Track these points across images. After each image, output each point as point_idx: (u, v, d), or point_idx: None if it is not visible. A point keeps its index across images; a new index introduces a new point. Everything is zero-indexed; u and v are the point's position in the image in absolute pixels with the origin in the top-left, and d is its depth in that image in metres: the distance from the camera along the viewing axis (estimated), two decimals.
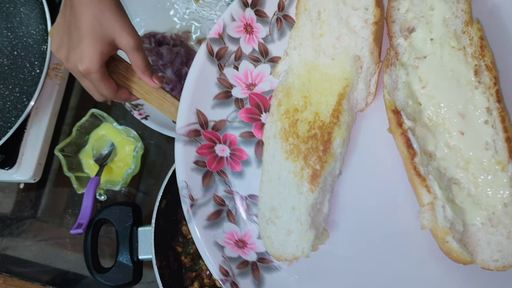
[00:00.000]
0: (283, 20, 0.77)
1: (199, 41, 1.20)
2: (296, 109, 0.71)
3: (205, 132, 0.75)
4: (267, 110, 0.76)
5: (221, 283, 0.71)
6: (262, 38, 0.77)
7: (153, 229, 0.96)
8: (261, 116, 0.77)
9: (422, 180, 0.67)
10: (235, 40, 0.76)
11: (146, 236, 0.97)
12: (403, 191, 0.71)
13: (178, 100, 1.09)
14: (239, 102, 0.77)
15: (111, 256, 1.02)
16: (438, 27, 0.70)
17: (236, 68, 0.76)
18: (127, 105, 1.12)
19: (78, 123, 1.14)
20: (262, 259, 0.73)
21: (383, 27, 0.72)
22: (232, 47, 0.76)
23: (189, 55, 1.18)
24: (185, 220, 0.99)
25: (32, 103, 1.10)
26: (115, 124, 1.15)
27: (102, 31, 0.78)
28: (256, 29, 0.76)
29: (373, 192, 0.72)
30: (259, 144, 0.76)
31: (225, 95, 0.76)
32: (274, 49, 0.77)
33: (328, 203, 0.71)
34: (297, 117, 0.71)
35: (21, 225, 1.23)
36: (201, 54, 0.74)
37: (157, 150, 1.20)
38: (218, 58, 0.75)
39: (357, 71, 0.70)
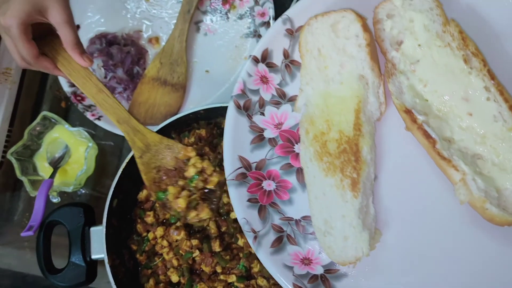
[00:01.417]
0: (291, 65, 0.90)
1: (150, 40, 1.21)
2: (322, 132, 0.82)
3: (250, 173, 0.86)
4: (298, 141, 0.87)
5: None
6: (277, 84, 0.90)
7: (105, 228, 0.97)
8: (294, 148, 0.87)
9: (448, 162, 0.76)
10: (256, 92, 0.89)
11: (98, 235, 0.97)
12: (435, 177, 0.79)
13: (129, 98, 1.14)
14: (272, 141, 0.88)
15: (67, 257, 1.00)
16: (422, 34, 0.81)
17: (263, 114, 0.89)
18: (80, 106, 1.14)
19: (30, 126, 1.15)
20: (329, 270, 0.81)
21: (375, 47, 0.84)
22: (254, 98, 0.89)
23: (140, 54, 1.20)
24: (139, 218, 1.04)
25: None
26: (66, 126, 1.15)
27: None
28: (270, 78, 0.89)
29: (409, 185, 0.81)
30: (299, 171, 0.86)
31: (259, 138, 0.88)
32: (290, 90, 0.89)
33: (372, 204, 0.80)
34: (325, 138, 0.82)
35: None
36: (231, 109, 0.87)
37: (112, 150, 1.20)
38: (245, 109, 0.88)
39: (365, 87, 0.82)
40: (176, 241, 1.01)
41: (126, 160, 1.01)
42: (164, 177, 0.96)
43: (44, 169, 1.20)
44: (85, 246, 0.99)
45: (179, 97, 1.17)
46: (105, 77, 1.21)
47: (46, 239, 1.00)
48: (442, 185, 0.79)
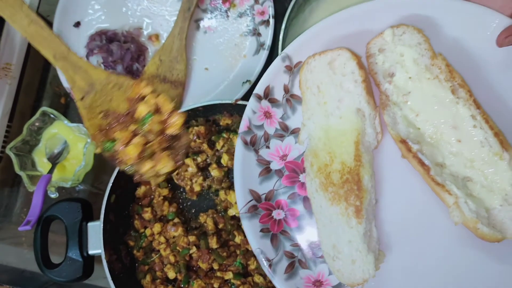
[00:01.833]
0: (291, 99, 0.96)
1: (150, 37, 1.23)
2: (325, 164, 0.89)
3: (260, 204, 0.93)
4: (302, 171, 0.94)
5: None
6: (280, 118, 0.96)
7: (102, 224, 0.97)
8: (299, 177, 0.94)
9: (442, 187, 0.83)
10: (260, 127, 0.95)
11: (96, 231, 0.98)
12: (430, 200, 0.87)
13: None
14: (279, 173, 0.95)
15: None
16: (412, 67, 0.88)
17: (268, 147, 0.95)
18: None
19: (29, 121, 1.15)
20: None
21: (370, 81, 0.91)
22: (259, 133, 0.95)
23: (140, 51, 1.21)
24: (137, 214, 1.03)
25: None
26: (66, 121, 1.15)
27: None
28: (273, 113, 0.96)
29: (407, 208, 0.89)
30: (305, 199, 0.93)
31: (266, 170, 0.94)
32: (292, 123, 0.96)
33: (375, 228, 0.87)
34: (329, 170, 0.88)
35: None
36: (238, 146, 0.93)
37: None
38: (252, 144, 0.94)
39: (362, 119, 0.88)
40: (173, 237, 1.02)
41: None
42: (114, 124, 0.85)
43: (42, 165, 1.21)
44: (82, 241, 0.99)
45: (178, 94, 1.17)
46: None
47: (44, 234, 1.01)
48: (437, 207, 0.86)
